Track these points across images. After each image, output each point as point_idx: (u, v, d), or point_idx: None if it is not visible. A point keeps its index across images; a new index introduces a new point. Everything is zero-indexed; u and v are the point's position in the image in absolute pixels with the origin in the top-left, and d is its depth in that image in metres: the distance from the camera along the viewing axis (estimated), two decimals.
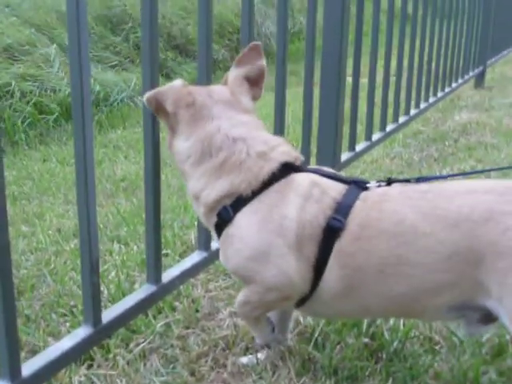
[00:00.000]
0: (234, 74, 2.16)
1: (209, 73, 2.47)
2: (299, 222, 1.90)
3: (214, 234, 2.12)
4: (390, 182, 2.02)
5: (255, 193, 1.96)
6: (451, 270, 1.76)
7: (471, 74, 7.69)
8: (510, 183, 1.83)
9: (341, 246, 1.88)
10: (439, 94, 6.15)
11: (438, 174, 4.56)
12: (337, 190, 1.96)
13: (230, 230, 2.00)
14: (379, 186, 2.00)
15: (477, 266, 1.72)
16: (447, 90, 6.45)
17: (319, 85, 3.58)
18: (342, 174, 3.97)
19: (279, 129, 3.05)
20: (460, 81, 7.06)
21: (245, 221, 1.97)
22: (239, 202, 1.98)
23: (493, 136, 5.66)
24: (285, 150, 2.06)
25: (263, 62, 2.18)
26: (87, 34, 1.92)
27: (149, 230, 2.35)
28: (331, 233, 1.88)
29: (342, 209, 1.90)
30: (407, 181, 2.05)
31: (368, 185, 1.99)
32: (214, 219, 2.05)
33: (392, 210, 1.86)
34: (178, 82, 2.09)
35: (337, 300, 1.96)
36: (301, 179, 1.98)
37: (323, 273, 1.91)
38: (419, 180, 2.02)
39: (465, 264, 1.74)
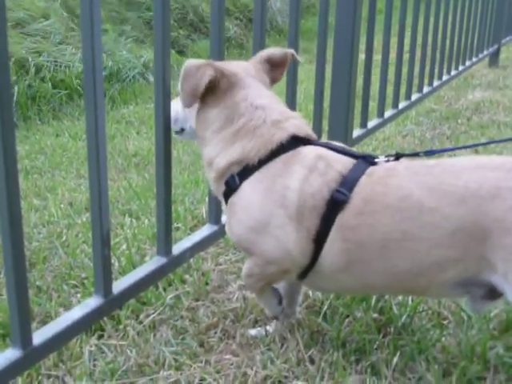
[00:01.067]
0: (259, 54, 2.27)
1: (221, 50, 2.48)
2: (301, 194, 1.91)
3: (222, 202, 2.16)
4: (398, 156, 2.02)
5: (262, 162, 1.99)
6: (456, 245, 1.76)
7: (485, 52, 7.64)
8: None
9: (344, 219, 1.88)
10: (453, 72, 6.11)
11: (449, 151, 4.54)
12: (343, 163, 1.96)
13: (234, 199, 2.04)
14: (387, 161, 1.99)
15: (482, 242, 1.72)
16: (461, 68, 6.41)
17: (332, 62, 3.57)
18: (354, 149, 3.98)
19: (290, 105, 3.04)
20: (474, 59, 7.01)
21: (249, 190, 2.00)
22: (246, 170, 2.01)
23: (506, 114, 5.63)
24: (297, 123, 2.08)
25: (284, 70, 2.31)
26: (100, 10, 1.93)
27: (159, 203, 2.36)
28: (334, 206, 1.89)
29: (347, 182, 1.90)
30: (416, 154, 2.06)
31: (376, 160, 1.99)
32: (223, 187, 2.08)
33: (398, 185, 1.85)
34: (202, 61, 2.10)
35: (338, 274, 1.96)
36: (307, 152, 2.00)
37: (324, 246, 1.92)
38: (428, 153, 2.02)
39: (470, 240, 1.73)
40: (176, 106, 2.27)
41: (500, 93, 6.61)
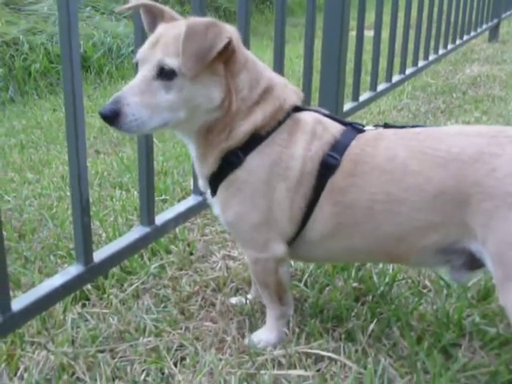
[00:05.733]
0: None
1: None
2: (303, 160, 1.92)
3: (204, 186, 2.08)
4: (386, 127, 2.04)
5: (269, 132, 1.94)
6: (438, 209, 1.77)
7: (485, 27, 7.61)
8: (502, 127, 1.83)
9: (334, 182, 1.90)
10: (449, 46, 6.11)
11: (442, 125, 4.55)
12: (337, 128, 1.99)
13: (239, 174, 1.95)
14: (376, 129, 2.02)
15: (463, 206, 1.73)
16: (458, 42, 6.40)
17: (322, 33, 3.57)
18: None
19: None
20: (473, 33, 6.99)
21: (256, 164, 1.93)
22: (252, 142, 1.94)
23: (501, 89, 5.64)
24: (294, 88, 2.06)
25: None
26: None
27: (141, 174, 2.39)
28: (326, 169, 1.91)
29: (339, 146, 1.92)
30: (403, 127, 2.04)
31: (365, 128, 2.01)
32: (214, 167, 1.97)
33: (385, 146, 1.87)
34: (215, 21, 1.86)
35: (325, 240, 1.98)
36: (307, 117, 1.99)
37: (314, 210, 1.93)
38: (414, 127, 2.02)
39: (451, 204, 1.75)
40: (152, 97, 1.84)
41: (497, 67, 6.59)
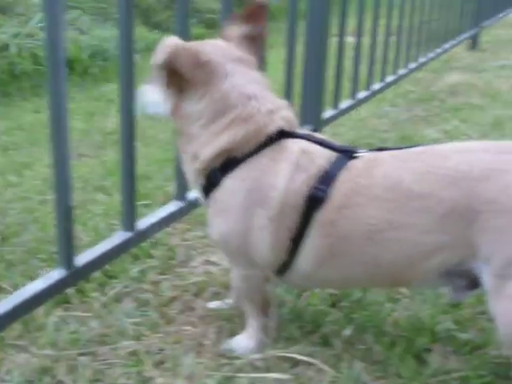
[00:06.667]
0: (238, 31, 2.10)
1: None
2: (286, 192, 1.88)
3: (201, 196, 2.10)
4: (380, 150, 1.99)
5: (247, 155, 1.93)
6: (445, 229, 1.74)
7: (465, 35, 7.71)
8: (505, 143, 1.83)
9: (323, 215, 1.86)
10: (429, 55, 6.19)
11: (421, 133, 4.63)
12: (325, 157, 1.93)
13: (217, 195, 1.98)
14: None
15: (471, 224, 1.71)
16: (438, 50, 6.49)
17: (304, 42, 3.63)
18: (326, 130, 4.06)
19: None
20: (453, 42, 7.08)
21: (232, 187, 1.94)
22: (230, 164, 1.95)
23: (479, 97, 5.72)
24: (285, 114, 2.00)
25: (265, 24, 2.13)
26: None
27: (123, 179, 2.44)
28: (313, 202, 1.87)
29: (327, 178, 1.87)
30: (398, 149, 1.98)
31: (357, 154, 1.96)
32: (203, 181, 2.02)
33: (383, 175, 1.83)
34: (175, 40, 1.95)
35: (320, 270, 1.95)
36: (292, 146, 1.94)
37: (302, 244, 1.91)
38: (409, 148, 1.96)
39: (460, 223, 1.72)
40: (145, 91, 2.13)
41: (477, 76, 6.69)
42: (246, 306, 2.17)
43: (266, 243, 1.93)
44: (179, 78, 1.93)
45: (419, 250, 1.79)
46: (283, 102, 2.06)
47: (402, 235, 1.79)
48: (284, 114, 2.00)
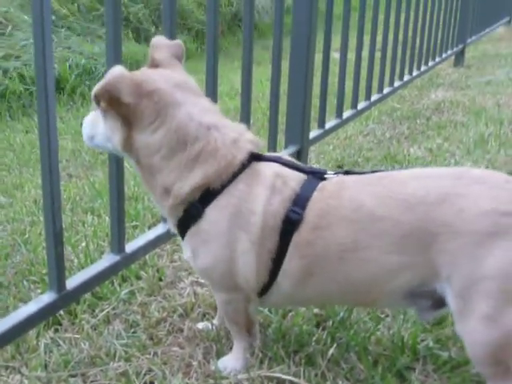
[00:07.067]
0: (163, 54, 2.10)
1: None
2: (264, 216, 1.93)
3: (173, 229, 2.13)
4: (346, 173, 2.07)
5: (224, 186, 1.95)
6: (405, 251, 1.83)
7: (450, 52, 7.80)
8: (462, 169, 1.94)
9: (300, 236, 1.92)
10: (414, 73, 6.28)
11: (405, 151, 4.71)
12: (296, 180, 1.99)
13: (202, 226, 1.99)
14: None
15: (429, 247, 1.79)
16: (423, 68, 6.58)
17: (289, 62, 3.71)
18: (312, 150, 4.12)
19: (246, 103, 3.20)
20: (438, 59, 7.17)
21: (215, 216, 1.97)
22: (208, 195, 1.96)
23: (463, 114, 5.81)
24: (250, 138, 2.04)
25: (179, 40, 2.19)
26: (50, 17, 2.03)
27: (112, 203, 2.49)
28: (290, 225, 1.92)
29: (300, 200, 1.93)
30: (363, 173, 2.07)
31: (326, 175, 2.03)
32: (179, 215, 2.03)
33: (349, 197, 1.91)
34: (118, 69, 1.95)
35: (297, 290, 2.02)
36: (266, 170, 1.99)
37: (282, 264, 1.97)
38: (374, 172, 2.05)
39: (418, 245, 1.81)
40: (94, 120, 2.08)
41: (461, 93, 6.79)
42: (232, 328, 2.24)
43: (250, 267, 1.98)
44: (125, 109, 1.90)
45: (383, 269, 1.87)
46: (242, 126, 2.09)
47: (368, 255, 1.87)
48: (248, 137, 2.04)
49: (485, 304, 1.73)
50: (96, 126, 2.06)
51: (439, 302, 1.90)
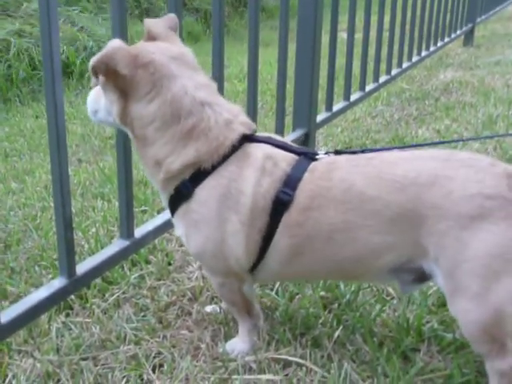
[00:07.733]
0: (160, 26, 2.11)
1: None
2: (254, 197, 1.95)
3: (165, 204, 2.14)
4: (337, 152, 2.10)
5: (215, 166, 1.97)
6: (394, 231, 1.87)
7: (459, 32, 7.77)
8: (449, 151, 1.95)
9: (290, 216, 1.94)
10: (423, 53, 6.26)
11: (413, 133, 4.72)
12: (287, 161, 2.01)
13: (191, 206, 2.02)
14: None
15: (418, 228, 1.83)
16: (432, 48, 6.56)
17: (295, 44, 3.71)
18: (320, 132, 4.14)
19: (253, 85, 3.22)
20: (447, 39, 7.14)
21: (205, 196, 1.98)
22: (199, 175, 1.98)
23: (472, 95, 5.81)
24: (244, 120, 2.06)
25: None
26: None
27: (121, 189, 2.52)
28: (280, 205, 1.95)
29: (291, 181, 1.95)
30: (353, 152, 2.11)
31: (317, 156, 2.06)
32: (170, 192, 2.05)
33: (340, 178, 1.93)
34: (116, 42, 1.97)
35: (284, 267, 2.06)
36: (256, 152, 2.01)
37: (271, 243, 2.00)
38: (364, 151, 2.11)
39: (407, 226, 1.85)
40: (97, 95, 2.11)
41: (470, 73, 6.77)
42: (232, 310, 2.30)
43: (240, 247, 2.01)
44: (121, 80, 1.92)
45: (372, 249, 1.91)
46: (237, 108, 2.10)
47: (357, 235, 1.90)
48: (242, 120, 2.05)
49: (473, 283, 1.76)
50: (98, 101, 2.09)
51: (422, 277, 1.95)
